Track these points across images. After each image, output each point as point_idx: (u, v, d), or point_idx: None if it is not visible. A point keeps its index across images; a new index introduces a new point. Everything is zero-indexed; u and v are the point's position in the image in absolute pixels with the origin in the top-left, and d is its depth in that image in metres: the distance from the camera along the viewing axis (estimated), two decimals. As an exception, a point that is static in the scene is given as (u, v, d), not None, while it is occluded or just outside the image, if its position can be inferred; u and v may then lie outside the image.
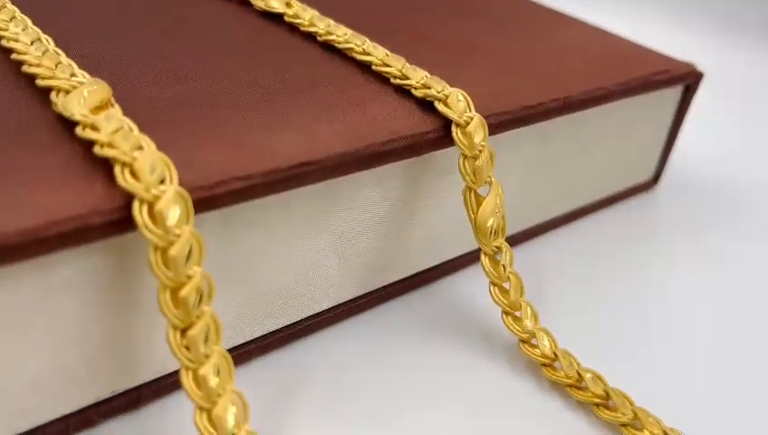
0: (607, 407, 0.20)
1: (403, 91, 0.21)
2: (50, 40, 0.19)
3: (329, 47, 0.23)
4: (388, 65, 0.21)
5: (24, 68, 0.18)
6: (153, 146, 0.15)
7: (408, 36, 0.26)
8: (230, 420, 0.15)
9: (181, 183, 0.15)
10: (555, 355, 0.21)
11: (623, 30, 0.36)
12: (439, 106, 0.20)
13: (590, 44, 0.29)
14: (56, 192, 0.14)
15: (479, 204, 0.20)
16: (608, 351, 0.22)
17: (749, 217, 0.31)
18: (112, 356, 0.17)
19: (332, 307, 0.21)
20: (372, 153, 0.19)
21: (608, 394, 0.20)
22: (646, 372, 0.22)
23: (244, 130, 0.18)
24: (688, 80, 0.29)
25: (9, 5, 0.21)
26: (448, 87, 0.21)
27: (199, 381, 0.15)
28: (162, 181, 0.15)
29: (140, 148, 0.15)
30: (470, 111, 0.20)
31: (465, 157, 0.20)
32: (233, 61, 0.21)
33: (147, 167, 0.15)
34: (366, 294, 0.22)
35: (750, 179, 0.35)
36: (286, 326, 0.20)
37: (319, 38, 0.23)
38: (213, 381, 0.15)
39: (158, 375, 0.18)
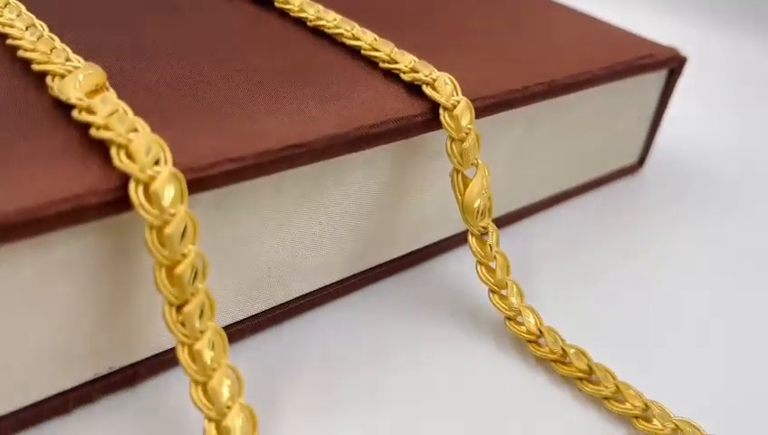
0: (590, 381, 0.20)
1: (391, 76, 0.21)
2: (44, 26, 0.19)
3: (318, 32, 0.23)
4: (376, 50, 0.22)
5: (20, 53, 0.18)
6: (148, 128, 0.16)
7: (397, 21, 0.26)
8: (225, 393, 0.16)
9: (175, 164, 0.15)
10: (540, 332, 0.21)
11: (612, 17, 0.36)
12: (427, 90, 0.21)
13: (575, 29, 0.29)
14: (54, 173, 0.15)
15: (466, 185, 0.21)
16: (592, 328, 0.23)
17: (731, 199, 0.32)
18: (110, 333, 0.17)
19: (323, 287, 0.22)
20: (361, 136, 0.19)
21: (591, 369, 0.20)
22: (628, 347, 0.22)
23: (236, 114, 0.18)
24: (672, 64, 0.29)
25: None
26: (436, 71, 0.21)
27: (195, 356, 0.16)
28: (157, 162, 0.15)
29: (135, 130, 0.15)
30: (457, 94, 0.21)
31: (453, 139, 0.21)
32: (224, 46, 0.22)
33: (142, 148, 0.15)
34: (356, 274, 0.23)
35: (732, 162, 0.35)
36: (278, 305, 0.21)
37: (309, 23, 0.24)
38: (208, 355, 0.16)
39: (155, 352, 0.19)
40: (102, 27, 0.22)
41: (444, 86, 0.21)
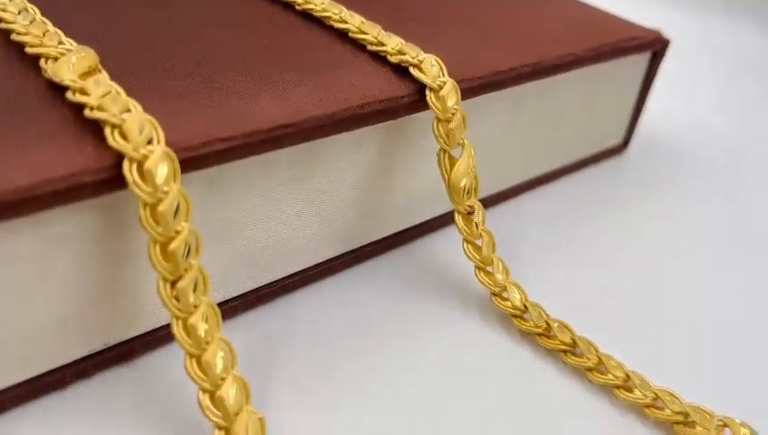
0: (573, 353, 0.21)
1: (379, 58, 0.22)
2: (36, 10, 0.20)
3: (307, 16, 0.24)
4: (364, 32, 0.22)
5: (13, 36, 0.19)
6: (140, 108, 0.16)
7: (384, 5, 0.26)
8: (218, 365, 0.16)
9: (168, 144, 0.16)
10: (525, 307, 0.22)
11: (597, 1, 0.37)
12: (414, 71, 0.21)
13: (560, 12, 0.30)
14: (50, 153, 0.15)
15: (453, 165, 0.21)
16: (575, 302, 0.23)
17: (713, 179, 0.33)
18: (106, 309, 0.18)
19: (313, 266, 0.22)
20: (349, 116, 0.19)
21: (574, 342, 0.21)
22: (611, 321, 0.23)
23: (227, 96, 0.18)
24: (655, 47, 0.30)
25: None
26: (422, 53, 0.21)
27: (189, 330, 0.16)
28: (150, 142, 0.16)
29: (128, 110, 0.16)
30: (443, 75, 0.21)
31: (439, 120, 0.21)
32: (215, 30, 0.22)
33: (135, 128, 0.15)
34: (346, 253, 0.23)
35: (715, 143, 0.36)
36: (269, 284, 0.21)
37: (297, 7, 0.24)
38: (202, 329, 0.16)
39: (150, 329, 0.19)
40: (93, 12, 0.22)
41: (430, 68, 0.21)
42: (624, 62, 0.29)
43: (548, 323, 0.21)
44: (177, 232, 0.16)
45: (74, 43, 0.18)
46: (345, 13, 0.23)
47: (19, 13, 0.19)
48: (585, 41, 0.27)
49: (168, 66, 0.19)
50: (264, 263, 0.21)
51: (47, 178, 0.15)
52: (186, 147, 0.16)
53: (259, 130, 0.18)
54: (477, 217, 0.22)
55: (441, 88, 0.21)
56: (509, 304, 0.22)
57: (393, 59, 0.21)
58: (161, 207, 0.15)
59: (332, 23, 0.23)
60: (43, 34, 0.18)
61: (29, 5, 0.20)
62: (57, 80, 0.17)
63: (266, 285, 0.21)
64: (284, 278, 0.22)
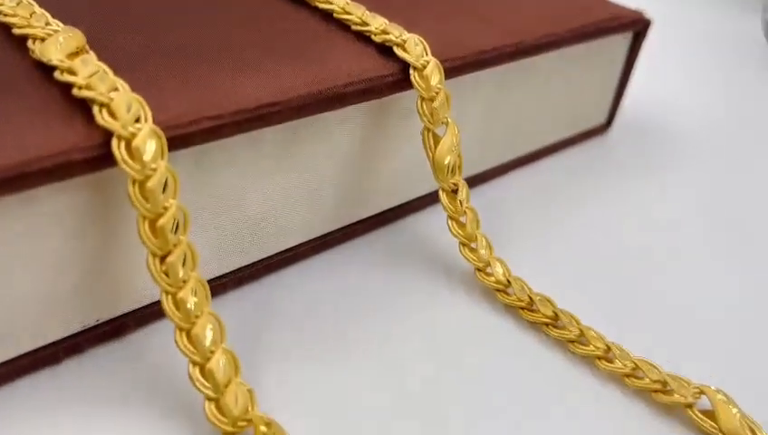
0: (556, 326, 0.22)
1: (363, 38, 0.22)
2: (22, -8, 0.20)
3: (292, -3, 0.24)
4: (348, 13, 0.23)
5: (0, 18, 0.19)
6: (128, 87, 0.16)
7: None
8: (208, 338, 0.17)
9: (155, 123, 0.16)
10: (508, 281, 0.22)
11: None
12: (398, 51, 0.21)
13: (544, -7, 0.30)
14: (39, 132, 0.15)
15: (437, 143, 0.22)
16: (557, 277, 0.24)
17: (693, 158, 0.33)
18: (98, 285, 0.18)
19: (301, 244, 0.23)
20: (334, 95, 0.20)
21: (556, 315, 0.22)
22: (593, 296, 0.24)
23: (214, 76, 0.19)
24: (638, 26, 0.30)
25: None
26: (406, 33, 0.22)
27: (178, 304, 0.16)
28: (137, 120, 0.16)
29: (116, 89, 0.16)
30: (427, 55, 0.22)
31: (423, 99, 0.21)
32: (201, 12, 0.22)
33: (123, 106, 0.16)
34: (333, 231, 0.24)
35: (695, 122, 0.36)
36: (258, 261, 0.22)
37: (282, -12, 0.24)
38: (191, 302, 0.17)
39: (141, 305, 0.19)
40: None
41: (414, 47, 0.21)
42: (606, 42, 0.30)
43: (530, 298, 0.22)
44: (166, 208, 0.16)
45: (61, 24, 0.18)
46: (330, -7, 0.23)
47: (5, -5, 0.20)
48: (568, 21, 0.27)
49: (153, 47, 0.20)
50: (252, 240, 0.21)
51: (37, 156, 0.15)
52: (173, 125, 0.17)
53: (245, 108, 0.18)
54: (461, 194, 0.22)
55: (425, 67, 0.21)
56: (493, 278, 0.22)
57: (377, 39, 0.22)
58: (149, 184, 0.16)
59: (317, 3, 0.23)
60: (30, 15, 0.19)
61: (15, -13, 0.20)
62: (45, 60, 0.17)
63: (254, 262, 0.22)
64: (272, 256, 0.22)
